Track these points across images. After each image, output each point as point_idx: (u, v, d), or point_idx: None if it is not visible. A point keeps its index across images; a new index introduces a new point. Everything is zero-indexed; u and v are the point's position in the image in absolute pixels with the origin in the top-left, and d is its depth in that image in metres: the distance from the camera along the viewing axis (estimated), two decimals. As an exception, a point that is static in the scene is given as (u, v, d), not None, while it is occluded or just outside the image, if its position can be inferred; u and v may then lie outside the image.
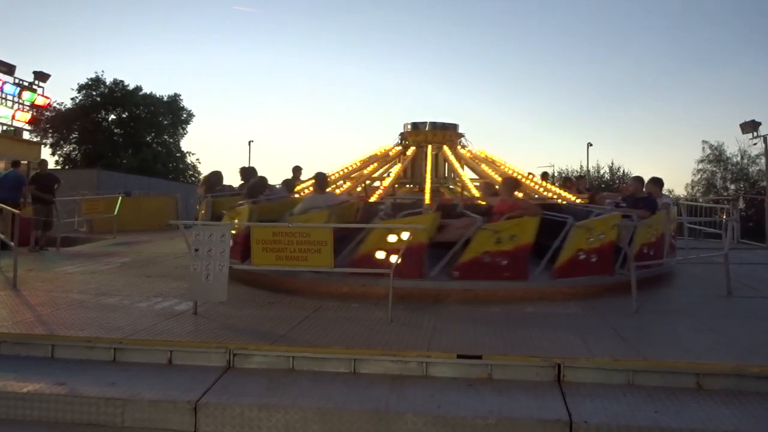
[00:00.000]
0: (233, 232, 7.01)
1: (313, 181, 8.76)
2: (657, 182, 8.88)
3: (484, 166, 11.63)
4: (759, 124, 14.92)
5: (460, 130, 12.12)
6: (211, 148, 68.68)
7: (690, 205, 15.86)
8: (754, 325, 5.68)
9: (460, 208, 7.97)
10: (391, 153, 11.93)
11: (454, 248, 6.77)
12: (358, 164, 11.97)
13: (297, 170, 11.42)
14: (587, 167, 33.13)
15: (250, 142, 31.43)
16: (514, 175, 10.88)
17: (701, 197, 27.27)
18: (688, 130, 63.62)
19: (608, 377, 4.28)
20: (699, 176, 35.23)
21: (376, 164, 11.93)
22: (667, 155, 62.19)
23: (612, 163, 35.62)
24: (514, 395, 4.03)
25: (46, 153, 33.65)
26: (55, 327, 5.24)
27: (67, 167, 34.80)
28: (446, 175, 11.79)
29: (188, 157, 40.38)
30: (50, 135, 35.95)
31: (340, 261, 6.31)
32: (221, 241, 5.78)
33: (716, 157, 34.69)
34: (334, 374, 4.45)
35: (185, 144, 40.63)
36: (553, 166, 35.65)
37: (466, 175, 11.40)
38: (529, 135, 69.67)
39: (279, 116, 74.22)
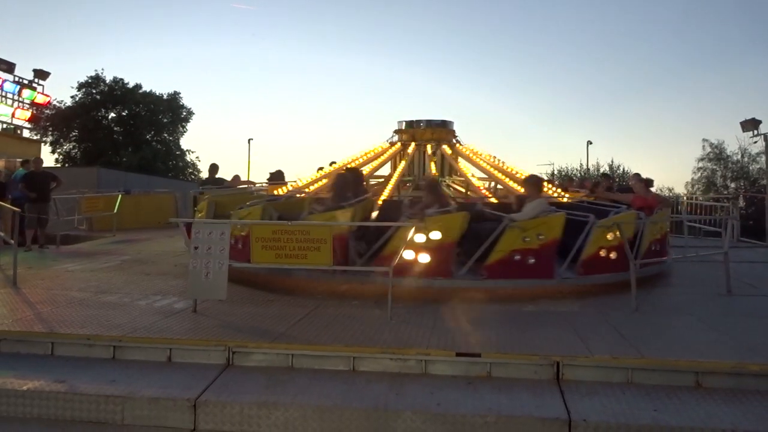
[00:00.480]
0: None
1: (533, 184, 7.73)
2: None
3: (483, 164, 11.60)
4: (759, 122, 14.93)
5: (457, 127, 12.15)
6: (211, 145, 68.70)
7: (690, 203, 15.87)
8: (754, 323, 5.68)
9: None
10: (392, 150, 11.86)
11: (636, 243, 7.09)
12: (374, 162, 11.88)
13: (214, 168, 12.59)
14: (587, 165, 33.16)
15: (249, 140, 31.49)
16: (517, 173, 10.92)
17: (701, 195, 27.22)
18: (688, 128, 63.72)
19: (607, 375, 4.28)
20: (699, 174, 35.19)
21: (392, 161, 11.81)
22: (667, 153, 62.31)
23: (612, 162, 35.62)
24: (513, 393, 4.03)
25: (45, 151, 33.69)
26: (55, 325, 5.24)
27: (66, 165, 34.79)
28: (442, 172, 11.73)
29: (188, 155, 40.39)
30: (50, 133, 35.93)
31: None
32: (221, 239, 5.77)
33: (716, 155, 34.64)
34: (334, 372, 4.45)
35: (185, 142, 40.56)
36: (553, 164, 35.67)
37: (471, 172, 11.38)
38: (529, 133, 69.68)
39: (278, 113, 74.20)
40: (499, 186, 10.93)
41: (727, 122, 70.71)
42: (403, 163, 11.28)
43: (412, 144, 11.62)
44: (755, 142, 16.37)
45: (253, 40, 72.31)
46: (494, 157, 12.08)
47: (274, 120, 72.41)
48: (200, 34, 69.39)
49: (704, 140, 35.02)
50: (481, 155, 11.95)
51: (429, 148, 11.53)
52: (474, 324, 5.52)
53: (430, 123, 11.89)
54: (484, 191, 10.36)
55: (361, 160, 11.74)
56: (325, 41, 76.58)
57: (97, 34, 62.98)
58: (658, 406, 3.80)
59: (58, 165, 34.43)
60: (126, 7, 62.89)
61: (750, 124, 15.02)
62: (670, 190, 33.26)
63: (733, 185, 33.15)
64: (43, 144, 31.22)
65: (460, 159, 11.82)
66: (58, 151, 37.13)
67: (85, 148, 36.72)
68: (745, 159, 33.20)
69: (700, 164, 35.11)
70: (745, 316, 6.00)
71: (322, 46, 77.84)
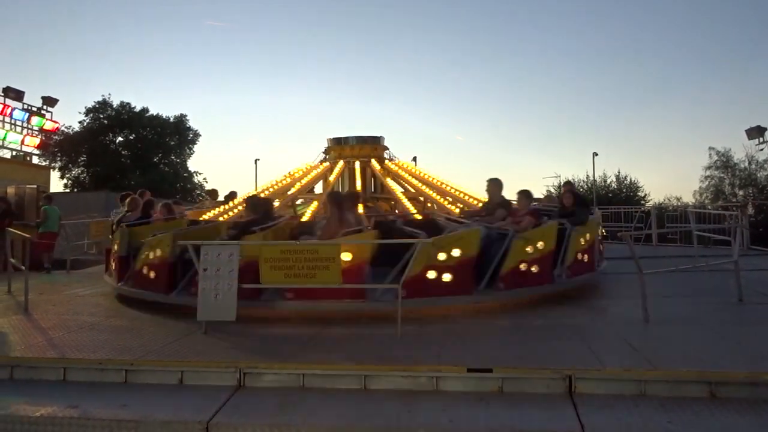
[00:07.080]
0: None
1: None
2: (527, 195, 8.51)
3: (414, 180, 11.45)
4: (765, 129, 14.94)
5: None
6: (218, 167, 69.06)
7: (698, 213, 15.79)
8: (767, 331, 5.64)
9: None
10: (320, 169, 11.64)
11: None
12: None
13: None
14: (593, 177, 33.04)
15: (256, 161, 31.67)
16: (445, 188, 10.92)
17: (710, 204, 27.06)
18: (694, 136, 63.41)
19: (620, 388, 4.25)
20: (707, 183, 35.00)
21: (323, 180, 11.62)
22: (674, 163, 61.98)
23: (619, 172, 35.46)
24: (525, 408, 4.01)
25: (54, 177, 34.01)
26: (67, 350, 5.27)
27: (75, 190, 35.14)
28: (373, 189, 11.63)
29: (195, 177, 40.69)
30: (59, 159, 36.33)
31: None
32: (229, 261, 5.81)
33: (723, 163, 34.49)
34: (345, 391, 4.45)
35: (192, 164, 40.93)
36: (559, 176, 35.50)
37: (397, 189, 11.19)
38: (534, 145, 69.59)
39: (282, 133, 74.50)
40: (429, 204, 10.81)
41: (733, 130, 70.47)
42: (331, 180, 11.02)
43: (340, 161, 11.41)
44: (761, 150, 16.34)
45: (255, 59, 72.75)
46: (428, 174, 11.89)
47: (280, 139, 72.74)
48: (205, 55, 70.13)
49: (711, 148, 34.89)
50: (412, 171, 11.85)
51: (357, 165, 11.34)
52: (484, 338, 5.51)
53: (359, 139, 11.75)
54: (410, 208, 10.28)
55: (287, 182, 11.49)
56: (317, 55, 77.06)
57: (103, 60, 63.81)
58: (672, 418, 3.76)
59: (67, 190, 34.78)
60: (131, 33, 63.79)
61: (755, 132, 15.03)
62: (678, 199, 33.15)
63: (741, 193, 32.96)
64: (51, 170, 31.56)
65: (390, 176, 11.62)
66: (67, 176, 37.57)
67: (94, 172, 37.09)
68: (753, 166, 33.07)
69: (708, 173, 34.96)
70: (757, 324, 5.96)
71: (314, 60, 78.24)
